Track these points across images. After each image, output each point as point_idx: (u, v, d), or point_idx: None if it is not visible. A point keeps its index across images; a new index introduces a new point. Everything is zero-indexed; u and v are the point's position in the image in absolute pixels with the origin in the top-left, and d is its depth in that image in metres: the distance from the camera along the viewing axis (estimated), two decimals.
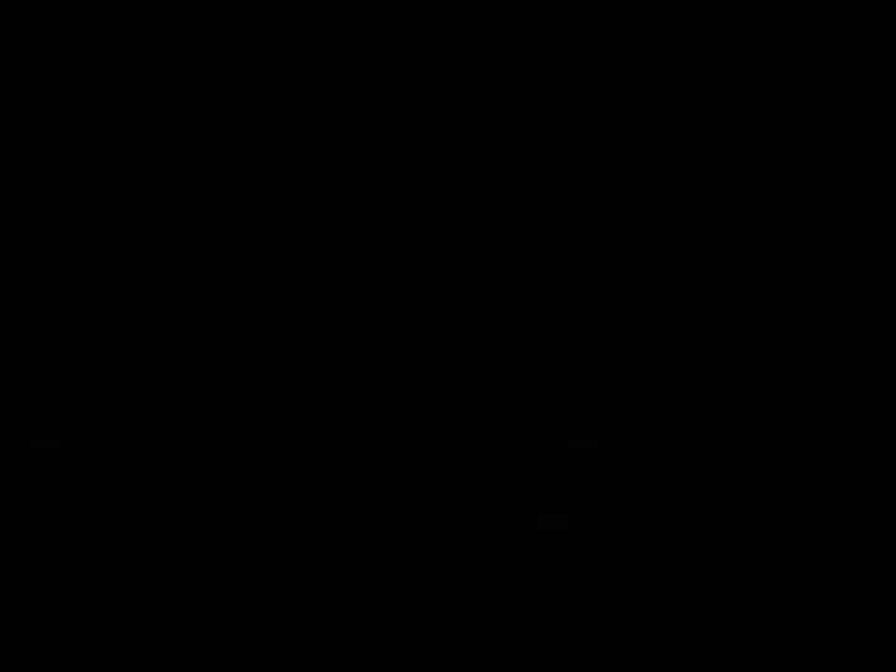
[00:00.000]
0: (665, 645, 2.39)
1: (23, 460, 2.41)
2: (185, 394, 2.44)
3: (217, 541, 2.41)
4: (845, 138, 2.45)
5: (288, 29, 2.47)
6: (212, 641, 2.39)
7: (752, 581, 2.39)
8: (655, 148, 2.46)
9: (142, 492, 2.42)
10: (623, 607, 2.39)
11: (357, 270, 2.46)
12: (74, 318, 2.44)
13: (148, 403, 2.43)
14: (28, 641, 2.39)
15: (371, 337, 2.45)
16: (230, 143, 2.46)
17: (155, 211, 2.46)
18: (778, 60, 2.46)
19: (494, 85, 2.47)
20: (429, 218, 2.46)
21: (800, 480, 2.41)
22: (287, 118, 2.47)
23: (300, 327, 2.45)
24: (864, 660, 2.37)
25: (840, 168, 2.45)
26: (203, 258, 2.45)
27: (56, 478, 2.41)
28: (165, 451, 2.42)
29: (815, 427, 2.41)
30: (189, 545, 2.41)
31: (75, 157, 2.46)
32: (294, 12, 2.47)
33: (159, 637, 2.39)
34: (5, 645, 2.38)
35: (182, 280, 2.45)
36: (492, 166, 2.46)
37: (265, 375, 2.44)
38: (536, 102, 2.47)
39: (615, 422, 2.43)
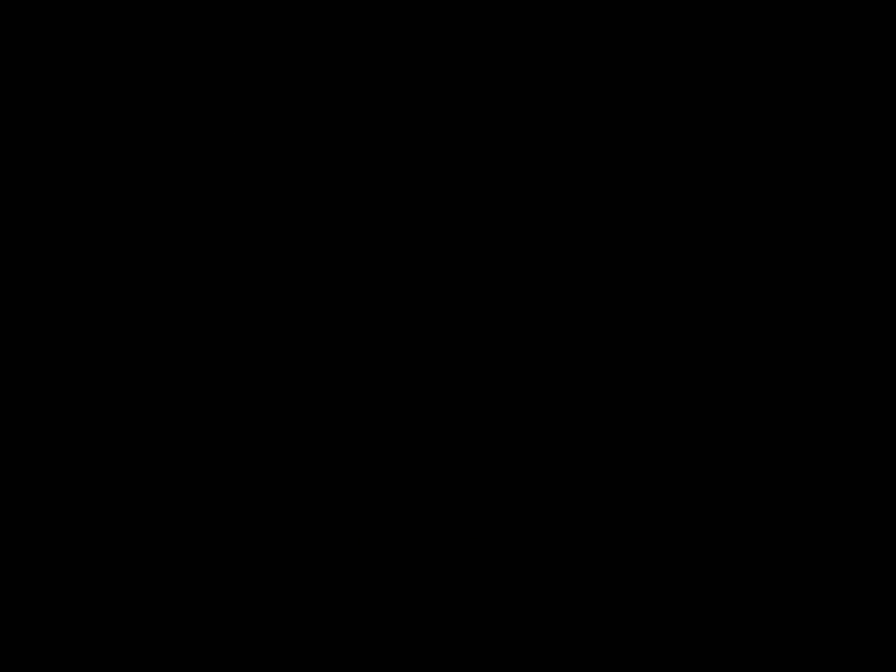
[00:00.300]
0: (665, 645, 2.39)
1: (23, 460, 2.41)
2: (185, 394, 2.44)
3: (217, 541, 2.42)
4: (845, 138, 2.45)
5: (288, 29, 2.48)
6: (212, 641, 2.39)
7: (752, 582, 2.40)
8: (655, 149, 2.46)
9: (141, 492, 2.42)
10: (623, 607, 2.40)
11: (357, 270, 2.46)
12: (73, 318, 2.44)
13: (148, 403, 2.43)
14: (28, 641, 2.39)
15: (370, 337, 2.45)
16: (230, 143, 2.47)
17: (154, 211, 2.46)
18: (778, 60, 2.46)
19: (494, 85, 2.47)
20: (429, 219, 2.46)
21: (800, 480, 2.41)
22: (287, 118, 2.47)
23: (300, 327, 2.45)
24: (864, 660, 2.37)
25: (840, 168, 2.45)
26: (202, 258, 2.45)
27: (55, 478, 2.41)
28: (165, 451, 2.43)
29: (815, 427, 2.42)
30: (189, 545, 2.42)
31: (74, 156, 2.46)
32: (294, 12, 2.47)
33: (159, 637, 2.39)
34: (4, 645, 2.38)
35: (182, 280, 2.45)
36: (492, 166, 2.47)
37: (265, 375, 2.44)
38: (536, 102, 2.47)
39: (614, 422, 2.43)
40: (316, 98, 2.47)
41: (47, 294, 2.44)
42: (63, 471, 2.42)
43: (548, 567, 2.41)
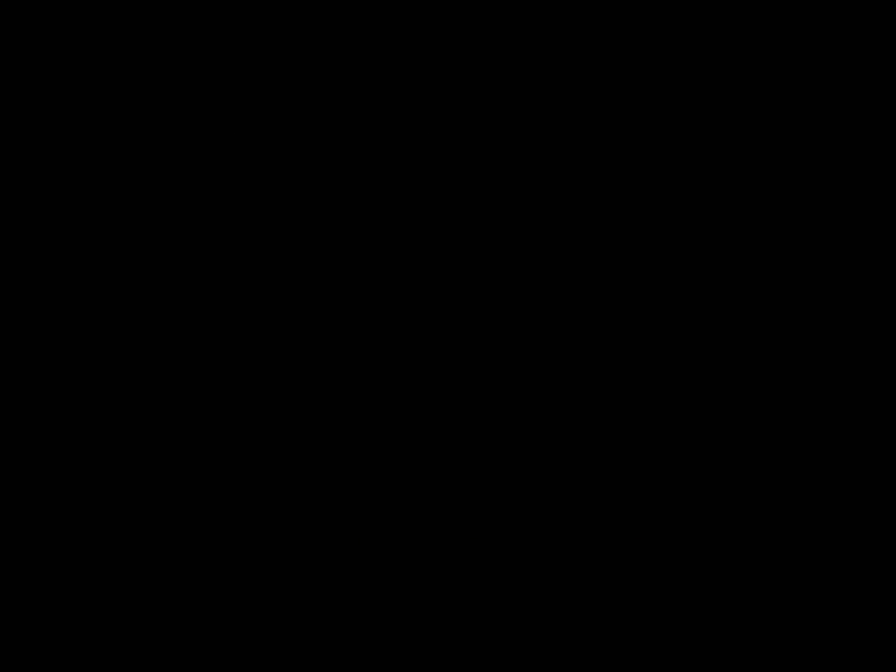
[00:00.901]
0: (665, 645, 2.39)
1: (23, 460, 2.41)
2: (185, 394, 2.44)
3: (217, 541, 2.42)
4: (845, 139, 2.45)
5: (288, 29, 2.48)
6: (212, 641, 2.39)
7: (752, 582, 2.40)
8: (655, 149, 2.46)
9: (142, 492, 2.42)
10: (623, 607, 2.40)
11: (357, 270, 2.46)
12: (74, 318, 2.44)
13: (148, 403, 2.43)
14: (28, 641, 2.39)
15: (370, 337, 2.45)
16: (230, 143, 2.47)
17: (153, 211, 2.46)
18: (779, 60, 2.46)
19: (494, 85, 2.47)
20: (429, 219, 2.46)
21: (800, 480, 2.41)
22: (287, 118, 2.47)
23: (299, 327, 2.45)
24: (864, 660, 2.37)
25: (840, 169, 2.45)
26: (202, 258, 2.45)
27: (55, 478, 2.41)
28: (164, 451, 2.43)
29: (816, 428, 2.42)
30: (189, 545, 2.42)
31: (74, 156, 2.46)
32: (294, 12, 2.47)
33: (159, 637, 2.39)
34: (4, 645, 2.38)
35: (182, 280, 2.45)
36: (492, 167, 2.47)
37: (265, 375, 2.44)
38: (536, 102, 2.47)
39: (613, 421, 2.43)
40: (316, 98, 2.47)
41: (47, 294, 2.44)
42: (63, 471, 2.42)
43: (548, 567, 2.41)
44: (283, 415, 2.43)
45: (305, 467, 2.43)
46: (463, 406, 2.44)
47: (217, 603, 2.40)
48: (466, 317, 2.45)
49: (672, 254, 2.45)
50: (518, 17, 2.47)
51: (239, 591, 2.40)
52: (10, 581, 2.39)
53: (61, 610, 2.40)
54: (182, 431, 2.43)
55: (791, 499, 2.41)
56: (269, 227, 2.46)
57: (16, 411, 2.42)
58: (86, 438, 2.42)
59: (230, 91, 2.47)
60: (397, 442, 2.43)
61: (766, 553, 2.40)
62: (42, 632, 2.39)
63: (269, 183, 2.47)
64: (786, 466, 2.41)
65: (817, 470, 2.41)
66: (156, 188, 2.46)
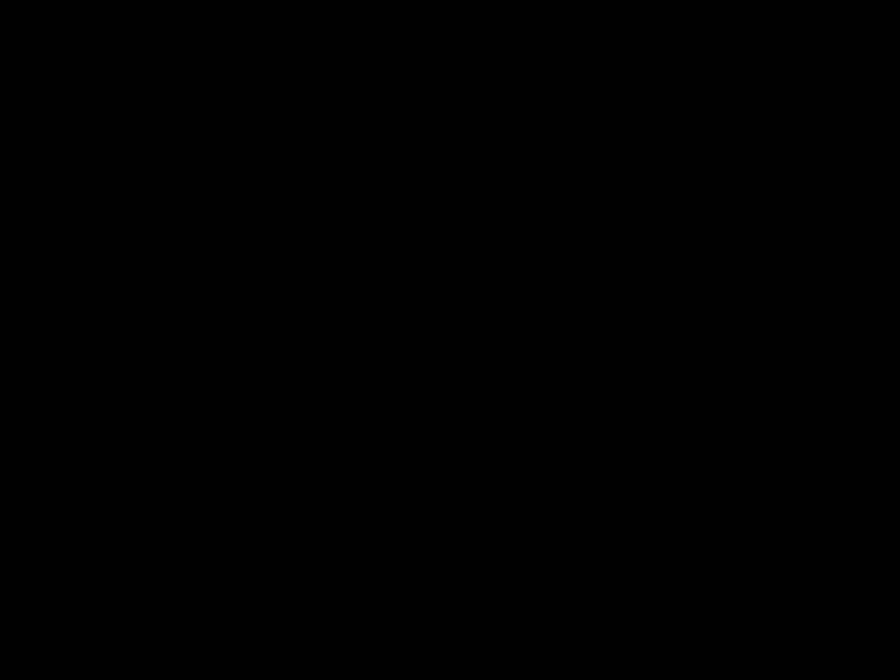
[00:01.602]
0: (665, 645, 2.39)
1: (23, 460, 2.41)
2: (184, 394, 2.44)
3: (217, 541, 2.42)
4: (845, 139, 2.45)
5: (288, 29, 2.48)
6: (212, 641, 2.39)
7: (752, 582, 2.40)
8: (655, 149, 2.46)
9: (141, 492, 2.42)
10: (623, 607, 2.40)
11: (357, 270, 2.46)
12: (74, 318, 2.44)
13: (148, 403, 2.43)
14: (28, 641, 2.39)
15: (370, 337, 2.45)
16: (230, 143, 2.47)
17: (154, 211, 2.46)
18: (779, 60, 2.46)
19: (494, 85, 2.47)
20: (429, 219, 2.46)
21: (801, 481, 2.41)
22: (287, 118, 2.47)
23: (300, 327, 2.45)
24: (864, 660, 2.37)
25: (840, 169, 2.45)
26: (202, 258, 2.46)
27: (55, 478, 2.42)
28: (164, 451, 2.43)
29: (816, 428, 2.42)
30: (189, 545, 2.42)
31: (74, 156, 2.46)
32: (294, 12, 2.47)
33: (158, 637, 2.39)
34: (4, 645, 2.38)
35: (182, 280, 2.45)
36: (492, 167, 2.47)
37: (265, 376, 2.44)
38: (536, 102, 2.47)
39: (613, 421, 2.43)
40: (316, 98, 2.48)
41: (47, 294, 2.44)
42: (63, 471, 2.42)
43: (548, 567, 2.41)
44: (283, 415, 2.44)
45: (305, 466, 2.43)
46: (463, 406, 2.44)
47: (217, 603, 2.40)
48: (465, 317, 2.45)
49: (672, 254, 2.45)
50: (518, 17, 2.48)
51: (239, 591, 2.40)
52: (10, 581, 2.40)
53: (61, 610, 2.40)
54: (182, 431, 2.43)
55: (791, 499, 2.41)
56: (268, 227, 2.46)
57: (16, 411, 2.42)
58: (85, 437, 2.42)
59: (229, 91, 2.47)
60: (396, 442, 2.43)
61: (766, 552, 2.41)
62: (42, 632, 2.39)
63: (268, 183, 2.47)
64: (786, 466, 2.42)
65: (817, 470, 2.41)
66: (155, 188, 2.46)
